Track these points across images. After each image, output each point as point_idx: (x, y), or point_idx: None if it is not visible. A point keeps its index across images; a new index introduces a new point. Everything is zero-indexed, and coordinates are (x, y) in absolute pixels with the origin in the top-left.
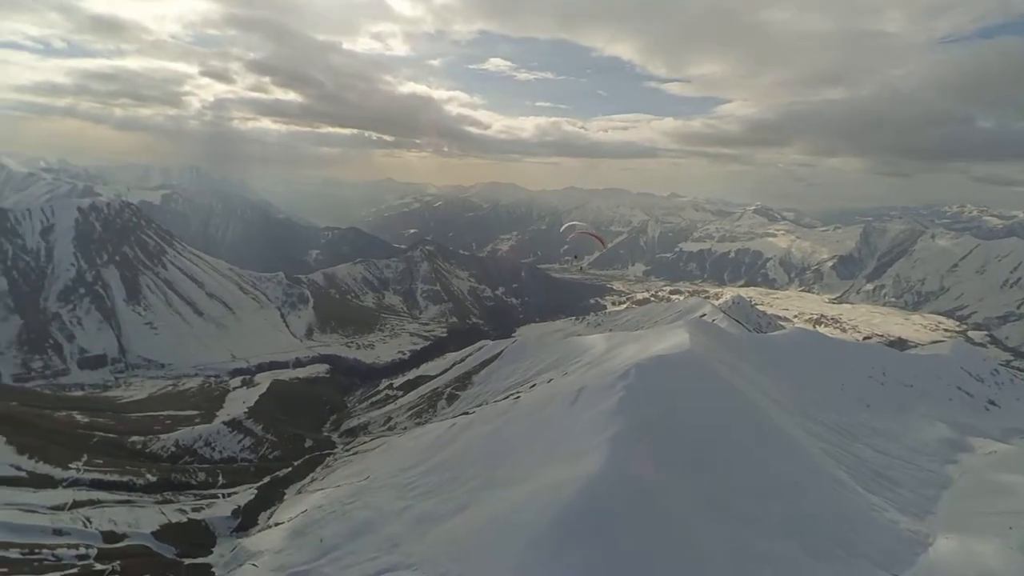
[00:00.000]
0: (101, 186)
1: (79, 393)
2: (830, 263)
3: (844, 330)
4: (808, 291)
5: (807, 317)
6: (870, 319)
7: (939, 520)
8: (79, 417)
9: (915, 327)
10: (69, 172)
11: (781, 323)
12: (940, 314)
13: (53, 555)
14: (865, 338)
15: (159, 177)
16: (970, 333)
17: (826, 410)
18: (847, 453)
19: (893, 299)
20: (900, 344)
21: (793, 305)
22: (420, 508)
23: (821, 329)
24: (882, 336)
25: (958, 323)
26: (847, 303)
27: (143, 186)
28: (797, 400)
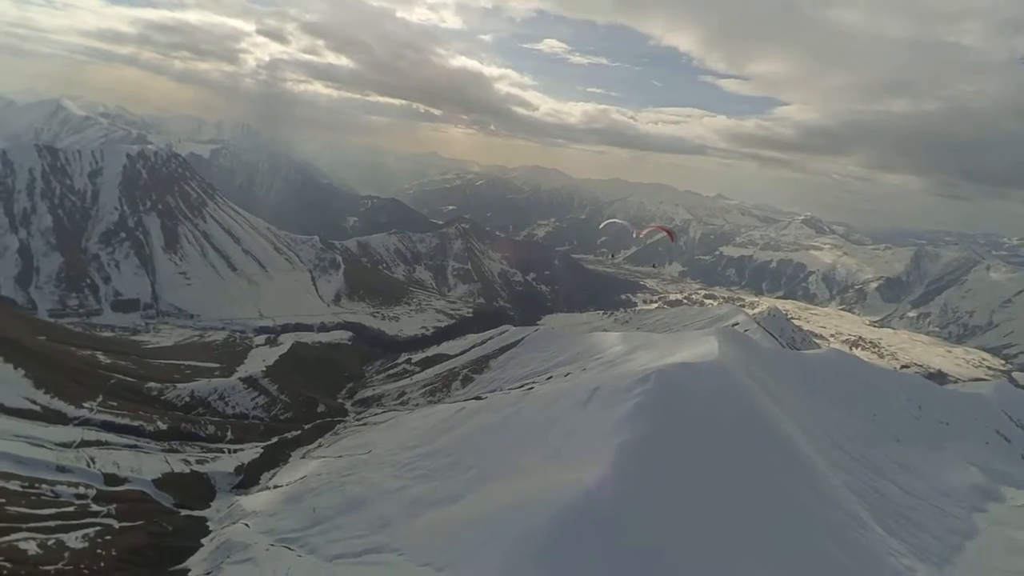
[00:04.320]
0: (154, 135)
1: (108, 334)
2: (875, 284)
3: (882, 355)
4: (848, 310)
5: (844, 338)
6: (911, 347)
7: (959, 573)
8: (102, 358)
9: (957, 361)
10: (125, 119)
11: (817, 341)
12: (985, 350)
13: (52, 491)
14: (903, 366)
15: (211, 131)
16: (1015, 374)
17: (854, 440)
18: (871, 489)
19: (937, 329)
20: (939, 377)
21: (831, 323)
22: (415, 491)
23: (858, 352)
24: (921, 367)
25: (1004, 362)
26: (888, 328)
27: (194, 139)
28: (825, 426)
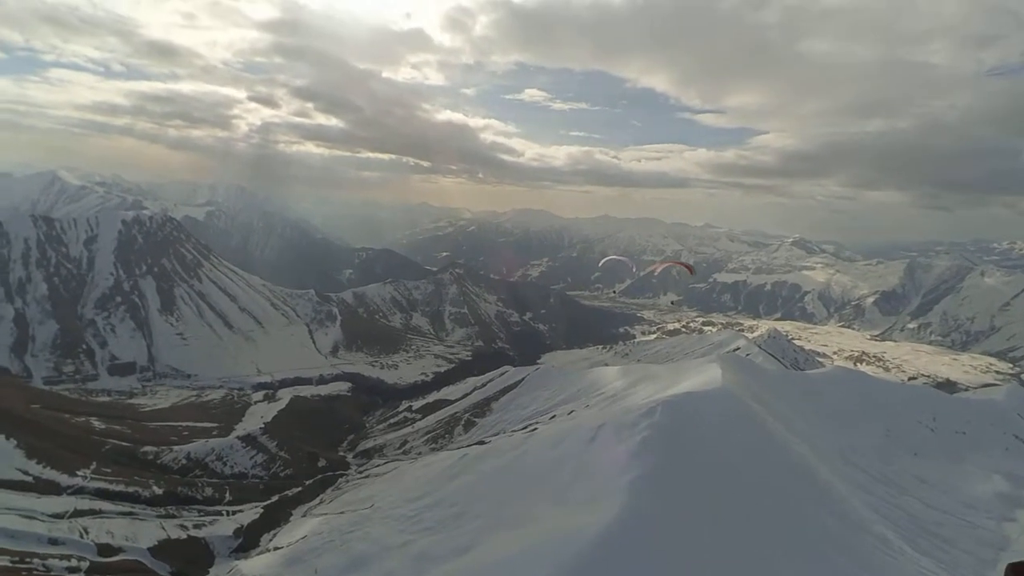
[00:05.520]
0: (151, 201)
1: (104, 399)
2: (872, 298)
3: (887, 369)
4: (848, 327)
5: (847, 354)
6: (915, 358)
7: None
8: (96, 423)
9: (964, 368)
10: (121, 187)
11: (819, 360)
12: (990, 355)
13: (44, 565)
14: (910, 378)
15: (206, 194)
16: None
17: (870, 457)
18: (893, 507)
19: (939, 338)
20: (948, 386)
21: (832, 341)
22: (421, 545)
23: (863, 367)
24: (928, 377)
25: (1011, 365)
26: (890, 340)
27: (190, 202)
28: (839, 446)
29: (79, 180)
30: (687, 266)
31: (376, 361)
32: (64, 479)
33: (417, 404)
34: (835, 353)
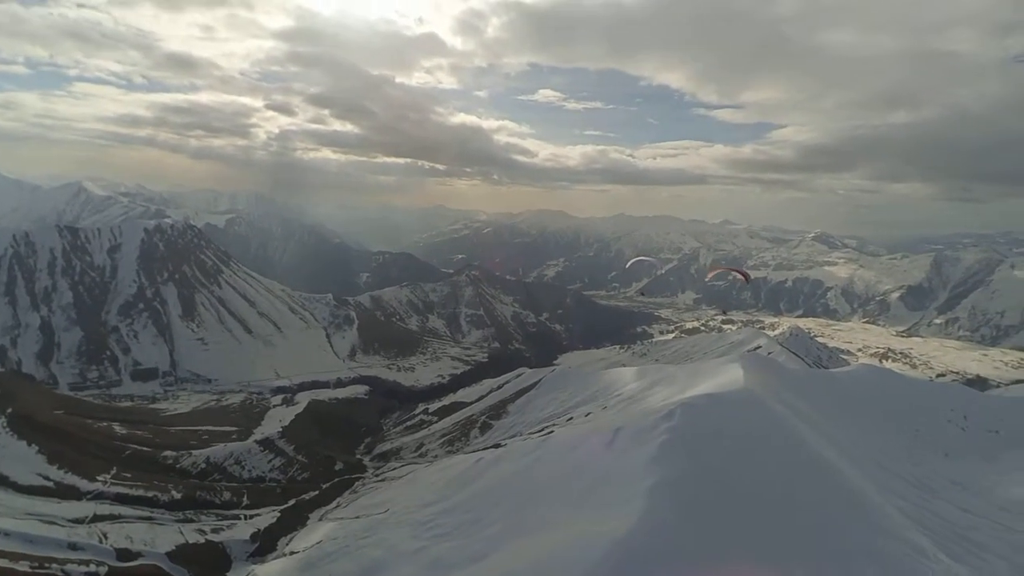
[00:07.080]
0: (173, 210)
1: (127, 404)
2: (897, 294)
3: (915, 366)
4: (872, 323)
5: (873, 351)
6: (943, 354)
7: None
8: (118, 428)
9: (995, 364)
10: (144, 196)
11: (844, 357)
12: (1022, 350)
13: (63, 571)
14: (938, 375)
15: (226, 202)
16: None
17: (900, 460)
18: (925, 511)
19: (968, 333)
20: (979, 383)
21: (857, 338)
22: (435, 552)
23: (889, 364)
24: (958, 374)
25: None
26: (917, 336)
27: (211, 210)
28: (867, 447)
29: (104, 191)
30: (743, 274)
31: (393, 364)
32: (84, 484)
33: (433, 407)
34: (860, 350)
